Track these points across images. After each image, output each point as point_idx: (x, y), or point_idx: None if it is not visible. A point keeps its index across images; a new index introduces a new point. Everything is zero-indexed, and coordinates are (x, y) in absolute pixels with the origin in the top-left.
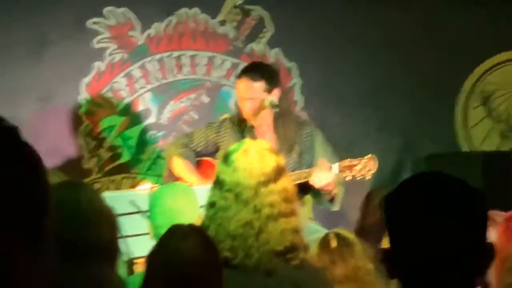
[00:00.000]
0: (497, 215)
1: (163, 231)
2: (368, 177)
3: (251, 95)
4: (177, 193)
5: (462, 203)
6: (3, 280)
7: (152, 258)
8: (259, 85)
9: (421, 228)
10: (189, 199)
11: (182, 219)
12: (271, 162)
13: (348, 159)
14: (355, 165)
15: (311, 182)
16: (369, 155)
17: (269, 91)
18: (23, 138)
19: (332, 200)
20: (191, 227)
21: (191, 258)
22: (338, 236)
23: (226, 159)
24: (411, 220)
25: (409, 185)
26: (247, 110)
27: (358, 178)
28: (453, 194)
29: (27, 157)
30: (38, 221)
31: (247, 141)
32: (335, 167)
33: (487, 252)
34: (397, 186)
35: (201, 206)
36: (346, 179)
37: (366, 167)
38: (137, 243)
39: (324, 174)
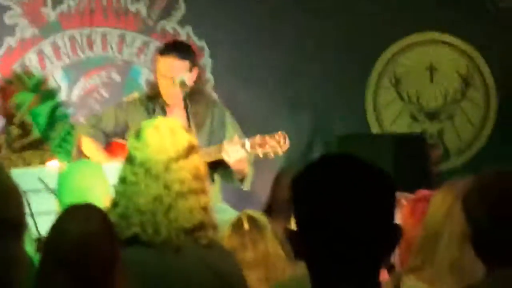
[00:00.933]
0: (405, 197)
1: None
2: (280, 153)
3: (175, 73)
4: (85, 171)
5: (369, 185)
6: None
7: (44, 240)
8: (185, 64)
9: (326, 210)
10: (98, 177)
11: (90, 197)
12: (182, 139)
13: (258, 135)
14: (266, 142)
15: (223, 157)
16: (280, 132)
17: (190, 70)
18: None
19: (242, 179)
20: (81, 205)
21: (78, 234)
22: (251, 219)
23: (137, 134)
24: (316, 201)
25: (315, 166)
26: (167, 88)
27: (270, 155)
28: (360, 176)
29: None
30: None
31: (159, 118)
32: (247, 143)
33: (394, 233)
34: (303, 168)
35: (110, 185)
36: (260, 156)
37: (278, 144)
38: (45, 220)
39: (236, 149)
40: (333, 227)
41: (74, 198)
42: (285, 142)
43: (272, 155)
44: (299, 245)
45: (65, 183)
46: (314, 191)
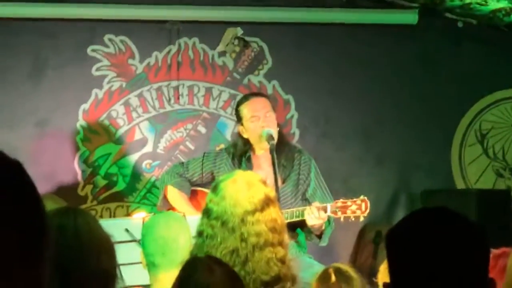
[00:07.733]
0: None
1: (154, 259)
2: (361, 218)
3: (261, 111)
4: (170, 222)
5: (466, 239)
6: None
7: None
8: (266, 101)
9: (424, 263)
10: (182, 228)
11: (174, 248)
12: (259, 192)
13: (341, 199)
14: (348, 206)
15: (305, 220)
16: (362, 197)
17: (273, 108)
18: (25, 175)
19: (320, 235)
20: (211, 258)
21: (203, 285)
22: (338, 271)
23: (214, 188)
24: (414, 254)
25: (412, 219)
26: (256, 130)
27: (351, 219)
28: (456, 229)
29: (28, 195)
30: (39, 253)
31: (237, 171)
32: (329, 207)
33: (489, 287)
34: (400, 221)
35: (194, 237)
36: (341, 220)
37: (359, 208)
38: (131, 271)
39: (317, 215)
40: (430, 279)
41: (158, 248)
42: (366, 207)
43: (353, 219)
44: None
45: (149, 233)
46: (412, 244)
